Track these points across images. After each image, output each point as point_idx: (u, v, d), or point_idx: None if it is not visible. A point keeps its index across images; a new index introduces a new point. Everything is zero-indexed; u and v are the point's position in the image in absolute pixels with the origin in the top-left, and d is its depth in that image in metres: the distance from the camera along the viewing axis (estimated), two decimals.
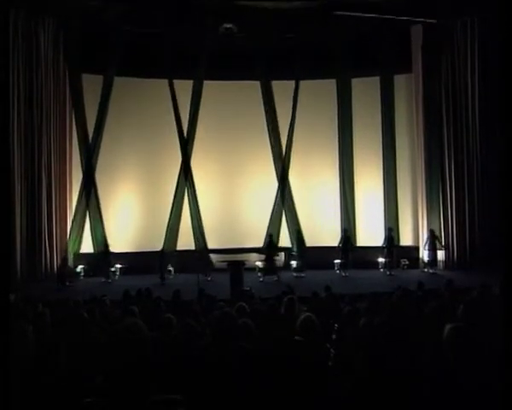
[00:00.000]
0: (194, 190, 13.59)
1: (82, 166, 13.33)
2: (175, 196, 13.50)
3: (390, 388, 2.89)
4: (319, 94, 14.47)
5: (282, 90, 14.10)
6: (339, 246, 13.15)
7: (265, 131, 13.84)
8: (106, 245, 13.03)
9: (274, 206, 13.65)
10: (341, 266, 12.92)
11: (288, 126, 13.86)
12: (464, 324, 3.39)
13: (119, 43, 12.83)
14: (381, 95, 14.07)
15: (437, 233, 13.22)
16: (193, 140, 13.66)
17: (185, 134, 13.63)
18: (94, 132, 13.28)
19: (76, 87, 13.26)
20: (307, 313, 3.83)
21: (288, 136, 13.70)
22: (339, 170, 14.14)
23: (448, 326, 3.27)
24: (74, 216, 13.14)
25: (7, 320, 1.78)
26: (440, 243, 13.15)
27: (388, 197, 13.93)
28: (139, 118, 14.07)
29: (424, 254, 13.48)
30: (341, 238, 13.25)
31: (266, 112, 13.82)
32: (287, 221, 13.74)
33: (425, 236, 13.60)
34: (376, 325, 3.74)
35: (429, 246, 13.12)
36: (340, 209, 14.04)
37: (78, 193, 13.29)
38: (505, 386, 2.08)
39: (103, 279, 12.18)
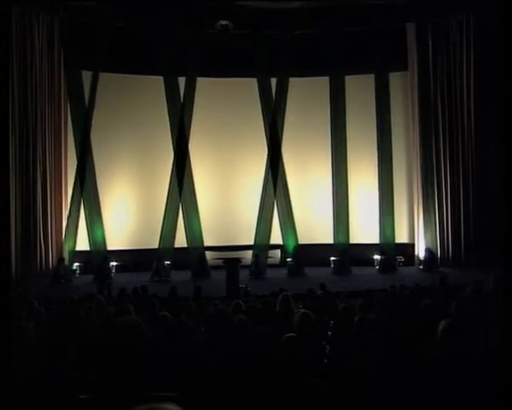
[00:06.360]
0: (193, 188, 13.55)
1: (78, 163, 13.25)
2: (169, 194, 13.47)
3: (385, 384, 2.91)
4: (314, 91, 14.47)
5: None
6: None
7: (262, 128, 13.83)
8: (105, 245, 13.06)
9: (262, 202, 13.60)
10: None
11: (283, 124, 13.82)
12: (457, 320, 3.42)
13: (110, 37, 12.73)
14: (376, 92, 14.07)
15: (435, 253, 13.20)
16: (188, 137, 13.61)
17: (180, 131, 13.56)
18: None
19: (73, 83, 13.17)
20: (304, 310, 3.85)
21: (271, 132, 13.63)
22: (334, 168, 14.13)
23: (442, 323, 3.30)
24: (70, 214, 13.08)
25: (8, 318, 1.79)
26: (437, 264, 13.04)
27: (383, 194, 13.94)
28: (134, 115, 14.01)
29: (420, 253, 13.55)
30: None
31: (262, 110, 13.80)
32: (279, 218, 13.73)
33: (421, 232, 13.66)
34: (371, 321, 3.76)
35: (425, 264, 13.06)
36: (333, 206, 14.06)
37: (72, 190, 13.21)
38: (502, 381, 2.11)
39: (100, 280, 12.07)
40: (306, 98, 14.37)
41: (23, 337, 3.12)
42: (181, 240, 13.46)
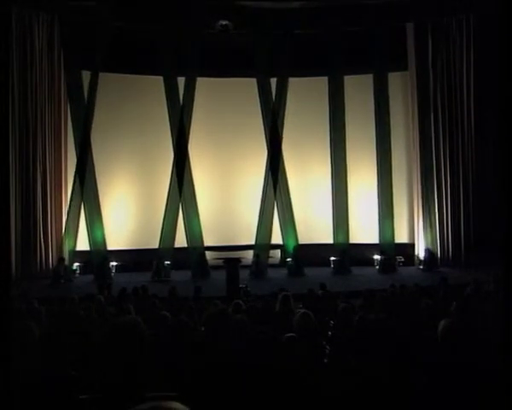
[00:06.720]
0: (193, 188, 13.55)
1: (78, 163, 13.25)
2: (169, 194, 13.47)
3: (385, 384, 2.91)
4: (313, 91, 14.46)
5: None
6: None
7: (262, 128, 13.82)
8: (105, 245, 13.07)
9: (263, 202, 13.58)
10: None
11: (283, 124, 13.81)
12: (457, 320, 3.42)
13: (109, 37, 12.71)
14: (375, 93, 14.05)
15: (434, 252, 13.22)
16: (188, 137, 13.61)
17: (180, 131, 13.56)
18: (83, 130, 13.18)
19: (73, 83, 13.16)
20: (304, 310, 3.85)
21: (271, 132, 13.63)
22: (333, 167, 14.12)
23: (442, 322, 3.30)
24: (69, 213, 13.08)
25: (8, 318, 1.79)
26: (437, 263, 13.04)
27: (383, 194, 13.94)
28: (134, 116, 14.00)
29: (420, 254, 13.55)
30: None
31: (262, 110, 13.80)
32: (279, 218, 13.72)
33: (420, 232, 13.66)
34: (371, 321, 3.76)
35: (425, 264, 13.05)
36: (333, 206, 14.05)
37: (72, 190, 13.21)
38: (502, 381, 2.11)
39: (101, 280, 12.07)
40: (306, 98, 14.36)
41: (27, 336, 3.12)
42: (181, 240, 13.45)
